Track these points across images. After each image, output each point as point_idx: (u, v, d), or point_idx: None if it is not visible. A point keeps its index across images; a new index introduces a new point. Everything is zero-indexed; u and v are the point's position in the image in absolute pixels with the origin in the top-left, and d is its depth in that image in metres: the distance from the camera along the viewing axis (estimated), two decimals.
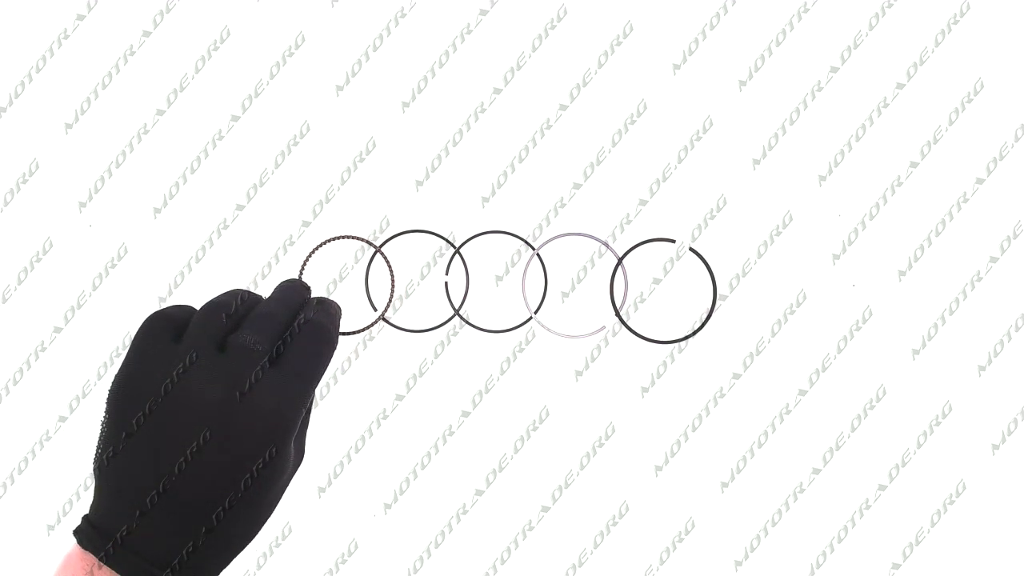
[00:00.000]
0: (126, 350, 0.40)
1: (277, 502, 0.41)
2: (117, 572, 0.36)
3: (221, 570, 0.39)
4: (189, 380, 0.37)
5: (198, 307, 0.42)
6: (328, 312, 0.44)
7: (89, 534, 0.37)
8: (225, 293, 0.43)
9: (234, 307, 0.41)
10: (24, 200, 0.64)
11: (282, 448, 0.38)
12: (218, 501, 0.37)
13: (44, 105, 0.65)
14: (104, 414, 0.39)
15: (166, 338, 0.39)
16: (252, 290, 0.44)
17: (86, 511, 0.39)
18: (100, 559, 0.36)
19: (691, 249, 0.63)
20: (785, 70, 0.64)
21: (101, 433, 0.39)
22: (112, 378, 0.39)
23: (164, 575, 0.36)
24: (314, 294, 0.47)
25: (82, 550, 0.37)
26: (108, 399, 0.39)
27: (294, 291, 0.44)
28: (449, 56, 0.65)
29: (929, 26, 0.64)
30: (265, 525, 0.41)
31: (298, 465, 0.43)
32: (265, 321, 0.41)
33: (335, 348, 0.43)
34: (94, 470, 0.39)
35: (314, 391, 0.41)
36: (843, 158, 0.64)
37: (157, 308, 0.42)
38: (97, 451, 0.38)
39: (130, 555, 0.36)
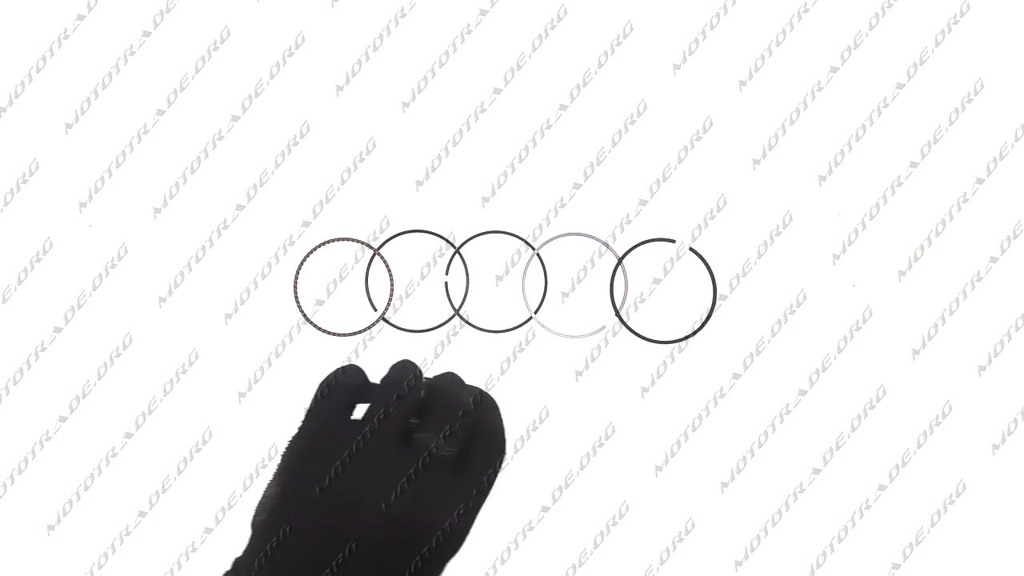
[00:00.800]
0: (305, 414, 0.39)
1: None
2: None
3: None
4: (374, 473, 0.36)
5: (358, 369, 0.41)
6: (497, 411, 0.42)
7: None
8: (394, 370, 0.41)
9: (407, 387, 0.40)
10: (24, 200, 0.64)
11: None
12: None
13: (44, 105, 0.65)
14: (275, 476, 0.37)
15: (343, 410, 0.38)
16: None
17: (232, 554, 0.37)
18: None
19: (691, 249, 0.63)
20: (785, 70, 0.64)
21: (267, 492, 0.37)
22: (287, 442, 0.38)
23: None
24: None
25: None
26: (284, 466, 0.37)
27: (462, 387, 0.42)
28: (449, 56, 0.65)
29: (929, 26, 0.64)
30: None
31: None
32: (447, 419, 0.39)
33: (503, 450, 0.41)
34: (252, 525, 0.37)
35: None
36: (843, 158, 0.64)
37: (325, 374, 0.40)
38: (258, 508, 0.37)
39: None
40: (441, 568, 0.37)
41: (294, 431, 0.39)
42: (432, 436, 0.38)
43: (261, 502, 0.37)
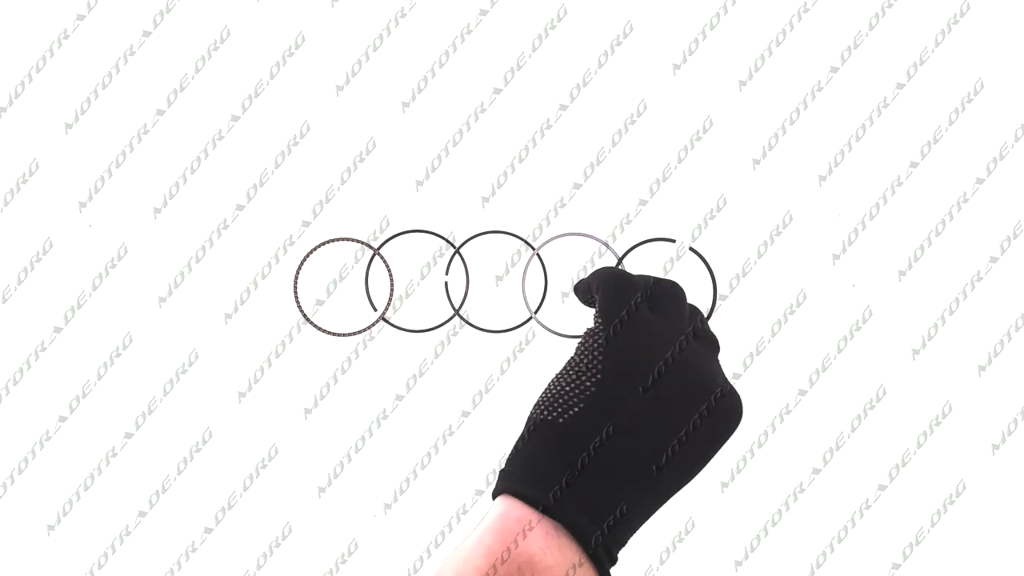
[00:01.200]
0: (606, 309, 0.42)
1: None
2: (559, 522, 0.36)
3: (635, 530, 0.39)
4: (703, 357, 0.41)
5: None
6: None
7: (524, 489, 0.37)
8: (639, 277, 0.44)
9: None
10: (24, 200, 0.64)
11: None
12: (647, 466, 0.38)
13: (44, 105, 0.65)
14: (589, 365, 0.39)
15: (645, 308, 0.42)
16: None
17: (503, 468, 0.39)
18: (540, 511, 0.36)
19: (691, 249, 0.63)
20: (785, 70, 0.64)
21: (563, 386, 0.39)
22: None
23: (597, 532, 0.36)
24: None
25: (516, 503, 0.36)
26: (603, 350, 0.40)
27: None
28: (449, 56, 0.65)
29: (929, 26, 0.64)
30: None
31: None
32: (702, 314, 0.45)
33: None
34: (532, 427, 0.39)
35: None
36: (843, 158, 0.64)
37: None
38: (547, 408, 0.39)
39: (569, 505, 0.36)
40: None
41: (597, 324, 0.41)
42: (708, 329, 0.44)
43: (564, 401, 0.39)
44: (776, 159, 0.64)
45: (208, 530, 0.62)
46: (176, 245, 0.64)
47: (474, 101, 0.65)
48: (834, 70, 0.64)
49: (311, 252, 0.63)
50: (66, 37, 0.65)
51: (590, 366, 0.39)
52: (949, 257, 0.63)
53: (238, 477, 0.62)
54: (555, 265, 0.64)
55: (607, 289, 0.43)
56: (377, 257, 0.64)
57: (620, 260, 0.63)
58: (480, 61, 0.65)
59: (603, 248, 0.64)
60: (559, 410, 0.38)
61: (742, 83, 0.64)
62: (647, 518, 0.39)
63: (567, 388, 0.39)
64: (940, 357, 0.62)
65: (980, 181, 0.63)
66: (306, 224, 0.64)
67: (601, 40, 0.65)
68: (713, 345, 0.44)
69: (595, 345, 0.40)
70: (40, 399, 0.63)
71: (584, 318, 0.64)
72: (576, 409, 0.38)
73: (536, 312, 0.63)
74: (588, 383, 0.39)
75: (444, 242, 0.64)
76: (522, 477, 0.38)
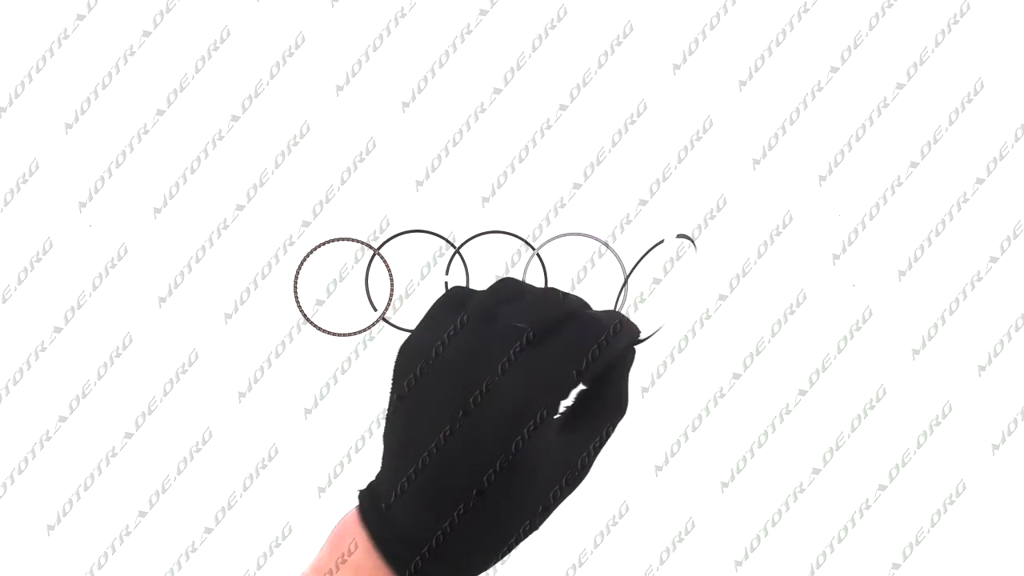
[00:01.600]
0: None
1: (541, 503, 0.36)
2: (378, 549, 0.34)
3: (481, 571, 0.36)
4: (450, 347, 0.36)
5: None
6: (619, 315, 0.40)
7: (365, 500, 0.36)
8: (544, 290, 0.40)
9: (524, 291, 0.39)
10: (24, 200, 0.64)
11: (531, 439, 0.34)
12: (462, 483, 0.34)
13: (44, 105, 0.65)
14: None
15: (453, 307, 0.39)
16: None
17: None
18: (368, 530, 0.35)
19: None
20: (785, 70, 0.64)
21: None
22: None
23: (414, 560, 0.34)
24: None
25: (357, 514, 0.36)
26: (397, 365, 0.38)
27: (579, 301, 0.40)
28: (449, 56, 0.65)
29: (929, 26, 0.64)
30: (535, 532, 0.37)
31: (581, 474, 0.39)
32: (544, 304, 0.38)
33: (601, 335, 0.38)
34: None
35: (576, 382, 0.37)
36: (843, 158, 0.64)
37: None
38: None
39: (388, 530, 0.34)
40: (530, 471, 0.36)
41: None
42: (513, 311, 0.37)
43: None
44: (776, 159, 0.64)
45: (208, 530, 0.62)
46: (176, 245, 0.64)
47: (474, 101, 0.65)
48: (834, 70, 0.64)
49: (311, 252, 0.63)
50: (66, 37, 0.65)
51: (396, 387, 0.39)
52: (949, 257, 0.63)
53: (238, 477, 0.62)
54: (555, 265, 0.64)
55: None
56: (377, 257, 0.64)
57: (621, 261, 0.63)
58: (480, 61, 0.65)
59: (603, 248, 0.64)
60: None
61: (742, 83, 0.64)
62: (500, 539, 0.36)
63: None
64: (940, 357, 0.62)
65: (980, 181, 0.63)
66: (306, 224, 0.64)
67: (601, 40, 0.65)
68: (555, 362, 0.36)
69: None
70: (40, 399, 0.63)
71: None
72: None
73: None
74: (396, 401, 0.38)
75: (444, 242, 0.64)
76: (371, 487, 0.37)
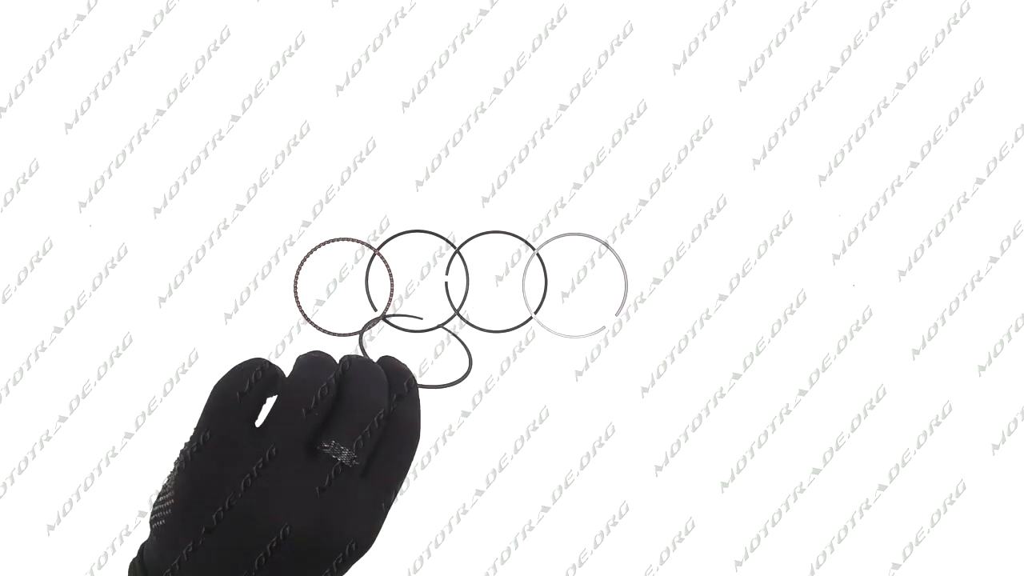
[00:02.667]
0: (200, 415, 0.37)
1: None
2: None
3: None
4: (278, 491, 0.35)
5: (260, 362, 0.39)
6: (415, 403, 0.40)
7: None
8: (304, 369, 0.38)
9: (317, 396, 0.37)
10: (24, 200, 0.64)
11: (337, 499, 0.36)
12: None
13: (44, 105, 0.65)
14: (172, 481, 0.36)
15: (245, 418, 0.37)
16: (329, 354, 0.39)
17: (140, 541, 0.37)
18: None
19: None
20: (785, 70, 0.64)
21: (162, 496, 0.36)
22: (182, 447, 0.36)
23: None
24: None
25: None
26: (181, 471, 0.36)
27: (378, 383, 0.39)
28: (449, 56, 0.65)
29: (929, 26, 0.64)
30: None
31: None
32: (357, 426, 0.37)
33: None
34: (151, 523, 0.36)
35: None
36: (843, 158, 0.64)
37: (227, 370, 0.38)
38: (155, 508, 0.36)
39: None
40: (347, 568, 0.36)
41: (191, 434, 0.37)
42: (339, 448, 0.36)
43: (160, 504, 0.36)
44: (776, 159, 0.64)
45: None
46: (176, 245, 0.64)
47: (474, 101, 0.65)
48: (834, 70, 0.64)
49: (311, 252, 0.63)
50: (66, 37, 0.65)
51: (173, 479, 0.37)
52: (949, 257, 0.63)
53: None
54: (555, 265, 0.64)
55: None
56: (377, 257, 0.64)
57: (621, 261, 0.63)
58: (480, 61, 0.65)
59: (603, 248, 0.64)
60: (155, 512, 0.37)
61: (742, 83, 0.64)
62: None
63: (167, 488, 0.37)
64: (940, 357, 0.62)
65: (980, 181, 0.63)
66: (306, 224, 0.64)
67: (601, 40, 0.65)
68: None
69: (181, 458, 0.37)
70: (40, 399, 0.63)
71: (585, 318, 0.64)
72: (161, 522, 0.36)
73: (536, 312, 0.63)
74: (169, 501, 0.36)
75: (444, 242, 0.64)
76: (143, 566, 0.37)
